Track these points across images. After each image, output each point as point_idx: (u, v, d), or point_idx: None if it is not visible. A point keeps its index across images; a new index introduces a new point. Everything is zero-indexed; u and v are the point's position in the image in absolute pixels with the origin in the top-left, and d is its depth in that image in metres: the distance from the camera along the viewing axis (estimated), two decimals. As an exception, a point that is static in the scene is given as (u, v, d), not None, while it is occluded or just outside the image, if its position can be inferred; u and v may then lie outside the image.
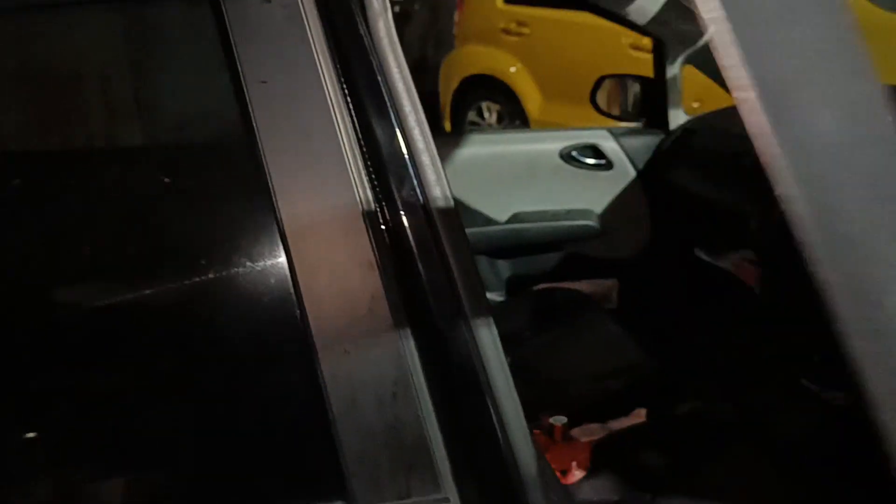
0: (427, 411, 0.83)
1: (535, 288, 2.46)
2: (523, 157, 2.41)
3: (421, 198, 0.84)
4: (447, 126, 5.74)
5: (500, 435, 0.85)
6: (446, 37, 6.63)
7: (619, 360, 2.05)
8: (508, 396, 0.85)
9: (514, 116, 5.43)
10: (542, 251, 2.45)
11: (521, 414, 0.87)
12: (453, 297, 0.83)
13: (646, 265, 2.47)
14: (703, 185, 2.18)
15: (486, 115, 5.71)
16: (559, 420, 1.86)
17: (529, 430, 0.86)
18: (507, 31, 5.46)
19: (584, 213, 2.40)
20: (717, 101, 2.44)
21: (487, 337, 0.84)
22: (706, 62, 2.36)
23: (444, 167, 0.87)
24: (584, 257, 2.46)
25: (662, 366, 2.04)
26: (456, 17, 6.02)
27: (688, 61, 2.36)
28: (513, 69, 5.43)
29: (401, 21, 6.26)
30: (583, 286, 2.44)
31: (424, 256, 0.83)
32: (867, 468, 1.59)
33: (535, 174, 2.40)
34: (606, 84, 2.71)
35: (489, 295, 2.18)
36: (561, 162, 2.40)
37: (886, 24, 4.16)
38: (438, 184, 0.85)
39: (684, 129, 2.35)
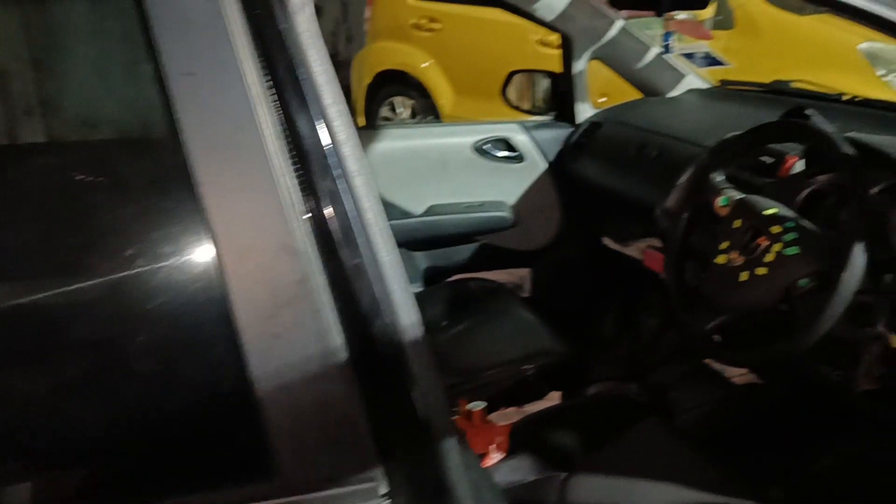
0: (352, 390, 0.86)
1: (451, 279, 2.51)
2: (437, 150, 2.45)
3: (343, 186, 0.87)
4: (360, 121, 5.73)
5: (420, 412, 0.88)
6: (357, 33, 6.63)
7: (533, 346, 2.12)
8: (427, 375, 0.89)
9: (427, 111, 5.47)
10: (458, 243, 2.50)
11: (442, 393, 0.90)
12: (376, 279, 0.86)
13: (556, 254, 2.55)
14: (610, 176, 2.26)
15: (398, 110, 5.73)
16: (477, 405, 1.91)
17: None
18: (418, 27, 5.49)
19: (497, 205, 2.46)
20: (623, 95, 2.54)
21: (408, 315, 0.87)
22: (612, 57, 2.45)
23: None
24: (497, 248, 2.52)
25: (574, 350, 2.12)
26: (367, 12, 6.01)
27: (594, 57, 2.43)
28: (424, 65, 5.47)
29: (311, 16, 6.18)
30: (497, 276, 2.50)
31: (347, 242, 0.86)
32: (765, 439, 1.70)
33: (449, 167, 2.44)
34: (516, 79, 2.76)
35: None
36: (474, 155, 2.45)
37: (782, 22, 4.36)
38: (360, 173, 0.88)
39: (591, 122, 2.43)
